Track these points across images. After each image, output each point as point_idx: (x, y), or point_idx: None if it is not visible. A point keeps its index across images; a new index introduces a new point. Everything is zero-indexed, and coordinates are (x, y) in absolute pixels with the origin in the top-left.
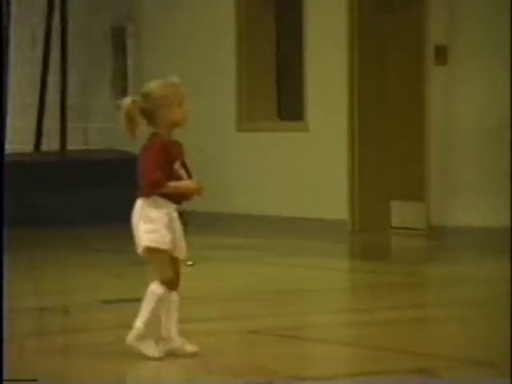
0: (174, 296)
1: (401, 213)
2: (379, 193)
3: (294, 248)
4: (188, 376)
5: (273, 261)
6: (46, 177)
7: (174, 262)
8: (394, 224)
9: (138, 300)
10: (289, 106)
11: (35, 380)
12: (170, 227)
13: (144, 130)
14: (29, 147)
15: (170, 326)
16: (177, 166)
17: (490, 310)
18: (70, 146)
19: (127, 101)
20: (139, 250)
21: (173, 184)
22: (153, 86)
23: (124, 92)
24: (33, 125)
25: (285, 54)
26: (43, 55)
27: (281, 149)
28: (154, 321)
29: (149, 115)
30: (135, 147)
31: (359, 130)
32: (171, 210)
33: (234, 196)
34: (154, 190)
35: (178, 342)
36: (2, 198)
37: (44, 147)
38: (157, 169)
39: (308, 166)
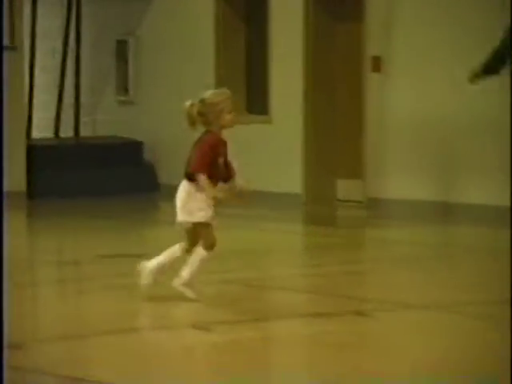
0: (202, 252)
1: (344, 188)
2: (327, 172)
3: (259, 216)
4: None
5: (243, 225)
6: (64, 157)
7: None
8: (338, 197)
9: (132, 256)
10: (256, 101)
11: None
12: (209, 205)
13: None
14: (49, 135)
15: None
16: (220, 161)
17: (414, 264)
18: (82, 134)
19: (186, 104)
20: (188, 221)
21: (204, 182)
22: (209, 94)
23: (125, 92)
24: (52, 116)
25: (253, 57)
26: (61, 62)
27: (249, 138)
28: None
29: (204, 117)
30: (134, 134)
31: (312, 122)
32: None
33: None
34: (193, 175)
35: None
36: (2, 195)
37: (61, 135)
38: (203, 163)
39: (271, 151)
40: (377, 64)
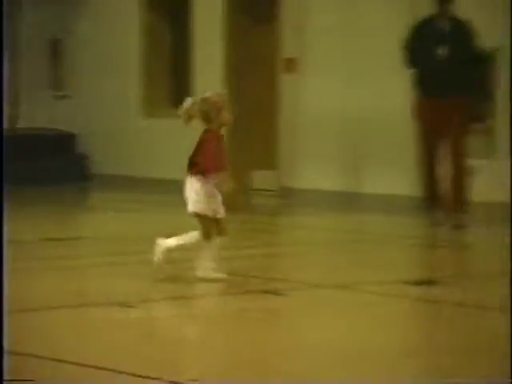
0: (216, 241)
1: (259, 178)
2: (244, 163)
3: (180, 202)
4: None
5: (168, 211)
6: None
7: (218, 220)
8: (255, 187)
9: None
10: (180, 98)
11: (32, 380)
12: (212, 197)
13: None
14: None
15: (203, 261)
16: (221, 154)
17: (325, 248)
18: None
19: (188, 102)
20: (190, 212)
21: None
22: (209, 94)
23: (61, 87)
24: None
25: (177, 56)
26: None
27: (175, 131)
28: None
29: (205, 115)
30: (69, 127)
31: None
32: (212, 184)
33: (139, 163)
34: (205, 173)
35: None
36: (2, 192)
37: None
38: (207, 158)
39: (193, 143)
40: (290, 64)
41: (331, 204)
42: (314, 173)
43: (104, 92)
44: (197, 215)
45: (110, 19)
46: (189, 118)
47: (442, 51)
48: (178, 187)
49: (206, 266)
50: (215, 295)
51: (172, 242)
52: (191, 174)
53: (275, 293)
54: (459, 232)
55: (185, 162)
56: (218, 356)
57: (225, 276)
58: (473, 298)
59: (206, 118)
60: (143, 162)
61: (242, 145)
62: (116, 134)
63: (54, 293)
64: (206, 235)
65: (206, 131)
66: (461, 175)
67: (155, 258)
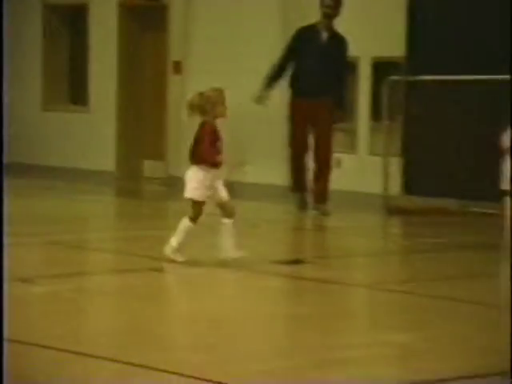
0: (227, 222)
1: (150, 167)
2: (136, 153)
3: (78, 189)
4: None
5: (64, 196)
6: None
7: (224, 204)
8: (145, 175)
9: None
10: (78, 95)
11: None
12: (211, 186)
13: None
14: None
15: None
16: (218, 143)
17: (205, 230)
18: None
19: (189, 97)
20: (187, 197)
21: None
22: (207, 89)
23: None
24: None
25: (76, 59)
26: None
27: (73, 124)
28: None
29: (201, 107)
30: None
31: (124, 113)
32: (213, 173)
33: (38, 152)
34: (206, 162)
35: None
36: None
37: None
38: (208, 148)
39: (90, 135)
40: (177, 67)
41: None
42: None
43: (5, 87)
44: (192, 201)
45: (14, 21)
46: (191, 111)
47: (316, 57)
48: (77, 175)
49: (227, 247)
50: (107, 272)
51: (174, 240)
52: (193, 163)
53: (160, 270)
54: (325, 217)
55: (83, 153)
56: (110, 325)
57: (243, 254)
58: (337, 275)
59: (202, 111)
60: (42, 151)
61: (134, 137)
62: (18, 127)
63: None
64: (195, 219)
65: (202, 123)
66: (325, 168)
67: (180, 260)
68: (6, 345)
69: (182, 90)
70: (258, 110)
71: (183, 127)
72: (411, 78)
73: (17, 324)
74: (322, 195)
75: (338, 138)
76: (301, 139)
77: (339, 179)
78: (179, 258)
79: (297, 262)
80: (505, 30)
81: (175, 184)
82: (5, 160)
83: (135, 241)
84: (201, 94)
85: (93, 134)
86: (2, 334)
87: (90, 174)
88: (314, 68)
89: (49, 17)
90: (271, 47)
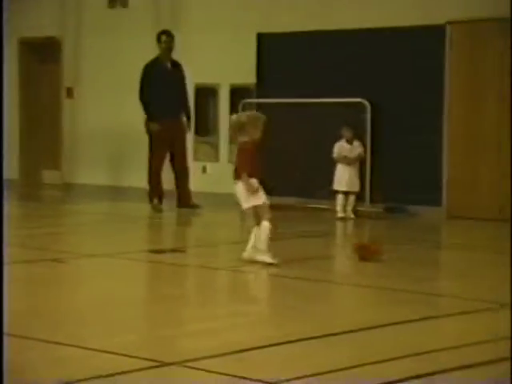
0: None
1: (48, 176)
2: (36, 164)
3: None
4: None
5: None
6: None
7: (262, 209)
8: (45, 181)
9: None
10: None
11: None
12: (255, 194)
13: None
14: None
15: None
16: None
17: (94, 227)
18: None
19: (234, 117)
20: (244, 207)
21: (246, 180)
22: (246, 114)
23: None
24: None
25: None
26: None
27: None
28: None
29: (242, 129)
30: None
31: (26, 131)
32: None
33: None
34: (246, 175)
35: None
36: (2, 194)
37: None
38: (247, 164)
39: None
40: (70, 92)
41: (100, 195)
42: (89, 172)
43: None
44: (251, 208)
45: None
46: (233, 133)
47: (167, 85)
48: None
49: (256, 249)
50: (15, 262)
51: (261, 244)
52: (236, 178)
53: (59, 261)
54: (194, 213)
55: None
56: (18, 307)
57: (276, 262)
58: (205, 261)
59: (242, 131)
60: None
61: (35, 150)
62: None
63: None
64: (270, 219)
65: (244, 142)
66: (185, 175)
67: (275, 261)
68: None
69: (74, 111)
70: (133, 127)
71: (75, 141)
72: (260, 101)
73: None
74: (186, 199)
75: (203, 150)
76: (162, 154)
77: (204, 183)
78: (274, 260)
79: (172, 251)
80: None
81: (69, 189)
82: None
83: (35, 237)
84: (247, 116)
85: None
86: (2, 334)
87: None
88: (167, 93)
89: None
90: None
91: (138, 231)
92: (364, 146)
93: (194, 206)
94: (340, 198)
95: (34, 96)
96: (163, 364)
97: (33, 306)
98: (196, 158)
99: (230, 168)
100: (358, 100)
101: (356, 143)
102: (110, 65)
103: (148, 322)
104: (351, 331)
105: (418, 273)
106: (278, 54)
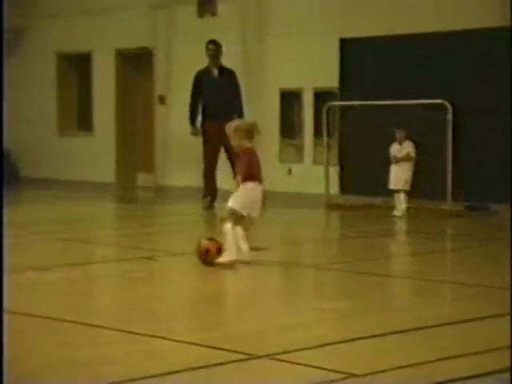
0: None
1: (142, 178)
2: (131, 168)
3: (86, 197)
4: None
5: (75, 203)
6: None
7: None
8: (139, 184)
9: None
10: (84, 123)
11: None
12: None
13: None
14: None
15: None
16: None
17: (182, 227)
18: None
19: (250, 122)
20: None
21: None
22: (251, 120)
23: None
24: None
25: (82, 94)
26: None
27: (80, 146)
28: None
29: (249, 135)
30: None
31: (121, 137)
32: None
33: (55, 168)
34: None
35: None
36: (2, 192)
37: None
38: (247, 167)
39: (95, 153)
40: (162, 99)
41: (190, 196)
42: (179, 174)
43: (29, 118)
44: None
45: (31, 67)
46: (238, 137)
47: (214, 90)
48: (84, 186)
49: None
50: (109, 261)
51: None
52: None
53: (151, 259)
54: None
55: (90, 168)
56: (112, 302)
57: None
58: (290, 258)
59: (250, 136)
60: (59, 168)
61: (129, 155)
62: (38, 148)
63: None
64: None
65: (245, 148)
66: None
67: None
68: (29, 320)
69: (166, 118)
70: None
71: (167, 146)
72: (344, 103)
73: (37, 303)
74: None
75: (288, 152)
76: (209, 155)
77: (289, 184)
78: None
79: (259, 249)
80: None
81: (162, 191)
82: (27, 175)
83: (131, 236)
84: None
85: (96, 153)
86: (2, 333)
87: (94, 184)
88: (216, 97)
89: (60, 62)
90: None
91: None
92: (445, 145)
93: None
94: (396, 196)
95: (129, 103)
96: (253, 357)
97: (127, 302)
98: (281, 160)
99: (315, 169)
100: (440, 101)
101: (406, 143)
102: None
103: (236, 317)
104: (440, 325)
105: (497, 269)
106: (359, 57)
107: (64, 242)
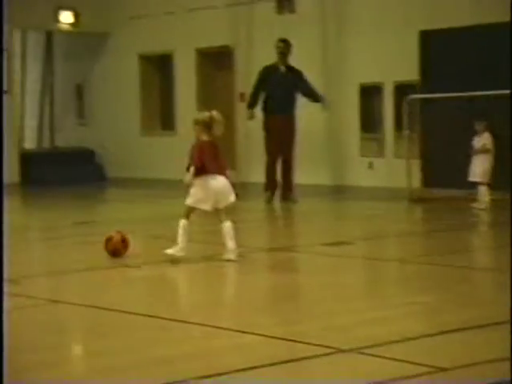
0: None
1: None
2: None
3: (168, 195)
4: None
5: (161, 201)
6: (45, 158)
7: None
8: None
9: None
10: (167, 123)
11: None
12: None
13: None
14: (33, 145)
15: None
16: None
17: (266, 223)
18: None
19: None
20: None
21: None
22: (213, 113)
23: (82, 118)
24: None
25: (165, 94)
26: (40, 99)
27: (164, 145)
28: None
29: (209, 127)
30: (88, 145)
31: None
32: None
33: (139, 168)
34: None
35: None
36: (2, 192)
37: (43, 145)
38: (199, 160)
39: (176, 153)
40: (242, 97)
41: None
42: (261, 170)
43: (113, 120)
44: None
45: (115, 69)
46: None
47: (278, 86)
48: (168, 185)
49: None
50: (196, 258)
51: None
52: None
53: (238, 255)
54: (295, 204)
55: (173, 167)
56: (200, 298)
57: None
58: (375, 252)
59: (210, 130)
60: (143, 167)
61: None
62: (122, 149)
63: (86, 259)
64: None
65: (203, 141)
66: (287, 168)
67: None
68: (129, 317)
69: (247, 115)
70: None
71: (249, 142)
72: (425, 96)
73: (127, 299)
74: (289, 187)
75: (369, 146)
76: (270, 148)
77: (370, 178)
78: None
79: (342, 243)
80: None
81: (244, 187)
82: (112, 175)
83: (216, 233)
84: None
85: (179, 152)
86: (2, 334)
87: (176, 183)
88: (280, 93)
89: (143, 63)
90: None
91: (307, 225)
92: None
93: (292, 201)
94: (478, 188)
95: (210, 101)
96: (340, 351)
97: (213, 297)
98: (362, 154)
99: (396, 163)
100: None
101: (485, 135)
102: None
103: (322, 311)
104: None
105: None
106: (439, 50)
107: (153, 239)
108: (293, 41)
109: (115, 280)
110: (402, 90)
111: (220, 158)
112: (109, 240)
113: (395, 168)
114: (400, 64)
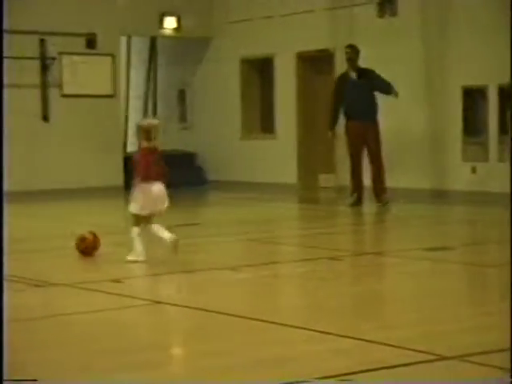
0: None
1: (323, 179)
2: (313, 169)
3: (270, 198)
4: None
5: (258, 204)
6: None
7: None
8: (321, 185)
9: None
10: (266, 125)
11: (35, 380)
12: (149, 198)
13: None
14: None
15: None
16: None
17: (367, 227)
18: None
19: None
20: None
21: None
22: (153, 120)
23: (185, 121)
24: None
25: (265, 98)
26: (144, 103)
27: (264, 147)
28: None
29: (149, 134)
30: (191, 148)
31: (303, 139)
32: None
33: (240, 171)
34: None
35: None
36: (2, 192)
37: None
38: (144, 168)
39: (276, 156)
40: None
41: (367, 196)
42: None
43: (214, 123)
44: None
45: (217, 74)
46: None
47: (353, 92)
48: (267, 188)
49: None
50: (295, 261)
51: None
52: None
53: (335, 259)
54: (386, 206)
55: (271, 170)
56: (300, 301)
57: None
58: (476, 259)
59: (145, 137)
60: (243, 171)
61: (311, 157)
62: (223, 152)
63: (188, 260)
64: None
65: (144, 149)
66: (377, 172)
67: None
68: (220, 317)
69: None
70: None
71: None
72: None
73: (228, 302)
74: (381, 189)
75: (472, 150)
76: (353, 154)
77: (473, 183)
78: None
79: (443, 248)
80: None
81: (342, 191)
82: (213, 178)
83: (315, 236)
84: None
85: (279, 155)
86: (2, 334)
87: (277, 186)
88: (356, 99)
89: (243, 67)
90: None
91: (406, 229)
92: None
93: (384, 203)
94: None
95: (310, 105)
96: (442, 358)
97: (313, 301)
98: (465, 159)
99: (500, 168)
100: None
101: None
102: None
103: (421, 317)
104: None
105: None
106: None
107: (253, 242)
108: (394, 43)
109: (215, 282)
110: (506, 92)
111: (160, 165)
112: (82, 240)
113: (499, 172)
114: (505, 66)
